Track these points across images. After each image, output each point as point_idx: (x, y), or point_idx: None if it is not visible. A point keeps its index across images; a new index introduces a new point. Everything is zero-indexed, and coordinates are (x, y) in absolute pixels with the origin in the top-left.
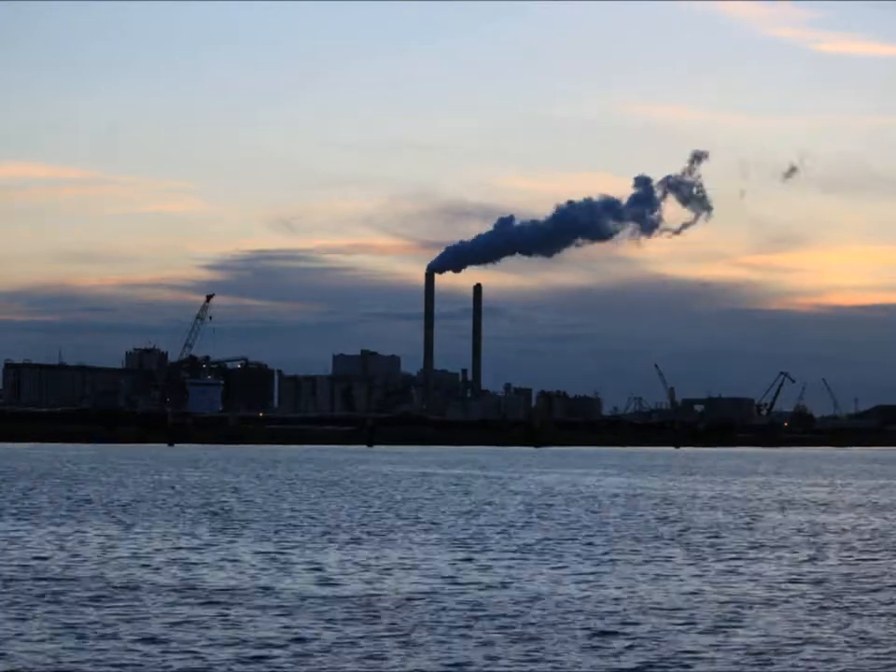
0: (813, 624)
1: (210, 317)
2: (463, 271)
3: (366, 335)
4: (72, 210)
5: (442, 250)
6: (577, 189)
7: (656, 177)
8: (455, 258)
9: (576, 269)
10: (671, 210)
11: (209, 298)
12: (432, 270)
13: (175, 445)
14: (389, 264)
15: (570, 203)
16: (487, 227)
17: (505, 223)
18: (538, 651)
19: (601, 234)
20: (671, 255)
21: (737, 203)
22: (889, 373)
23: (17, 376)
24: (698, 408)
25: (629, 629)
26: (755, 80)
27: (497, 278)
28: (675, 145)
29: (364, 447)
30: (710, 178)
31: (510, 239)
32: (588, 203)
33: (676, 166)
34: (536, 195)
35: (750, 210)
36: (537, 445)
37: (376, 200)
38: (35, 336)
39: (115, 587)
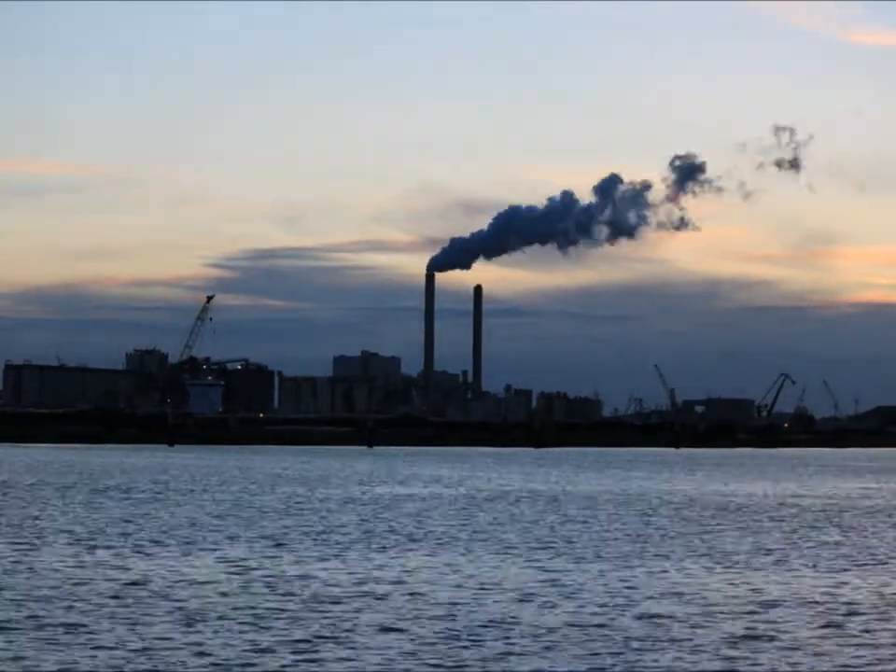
0: None
1: (210, 318)
2: (462, 268)
3: (367, 335)
4: (73, 209)
5: (444, 246)
6: (591, 183)
7: (672, 172)
8: (455, 254)
9: (578, 268)
10: (683, 205)
11: (209, 299)
12: (432, 268)
13: (176, 446)
14: (393, 263)
15: (568, 194)
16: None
17: (502, 216)
18: None
19: (603, 230)
20: (674, 253)
21: (746, 199)
22: (890, 374)
23: (17, 377)
24: (699, 409)
25: None
26: (780, 73)
27: (497, 280)
28: (691, 138)
29: (365, 448)
30: (725, 173)
31: (508, 232)
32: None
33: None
34: (548, 190)
35: (759, 208)
36: (537, 446)
37: (383, 197)
38: (36, 336)
39: None
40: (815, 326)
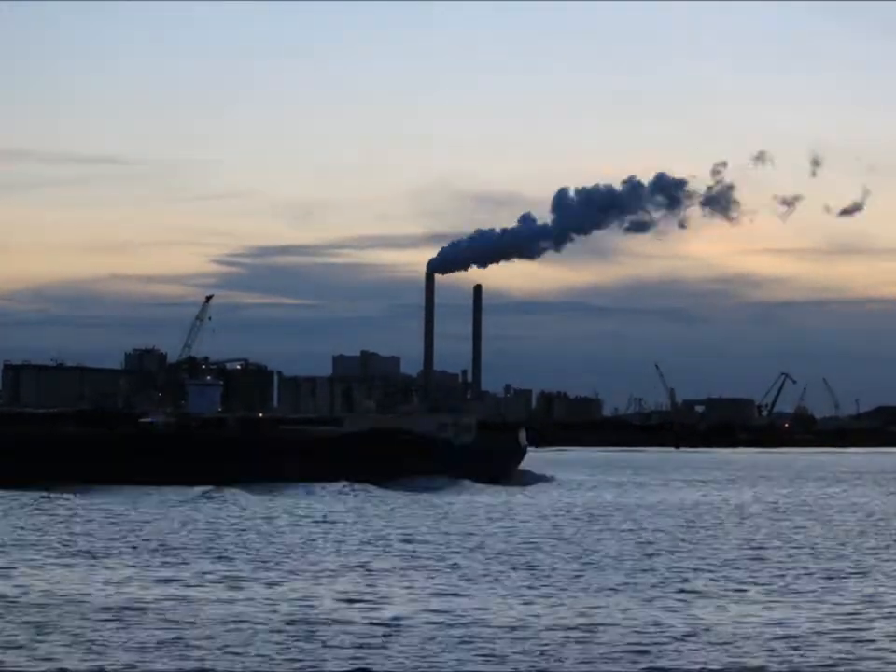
0: None
1: (210, 318)
2: (462, 270)
3: (366, 335)
4: (76, 204)
5: (442, 247)
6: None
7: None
8: (453, 257)
9: (578, 266)
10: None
11: (209, 298)
12: (432, 270)
13: None
14: (394, 261)
15: (574, 192)
16: (503, 221)
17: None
18: None
19: (603, 227)
20: (677, 251)
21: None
22: (890, 373)
23: (16, 377)
24: (699, 409)
25: None
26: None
27: (497, 279)
28: (696, 136)
29: None
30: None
31: (509, 238)
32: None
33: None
34: (558, 185)
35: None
36: (537, 446)
37: (386, 195)
38: (38, 334)
39: None
40: (809, 325)
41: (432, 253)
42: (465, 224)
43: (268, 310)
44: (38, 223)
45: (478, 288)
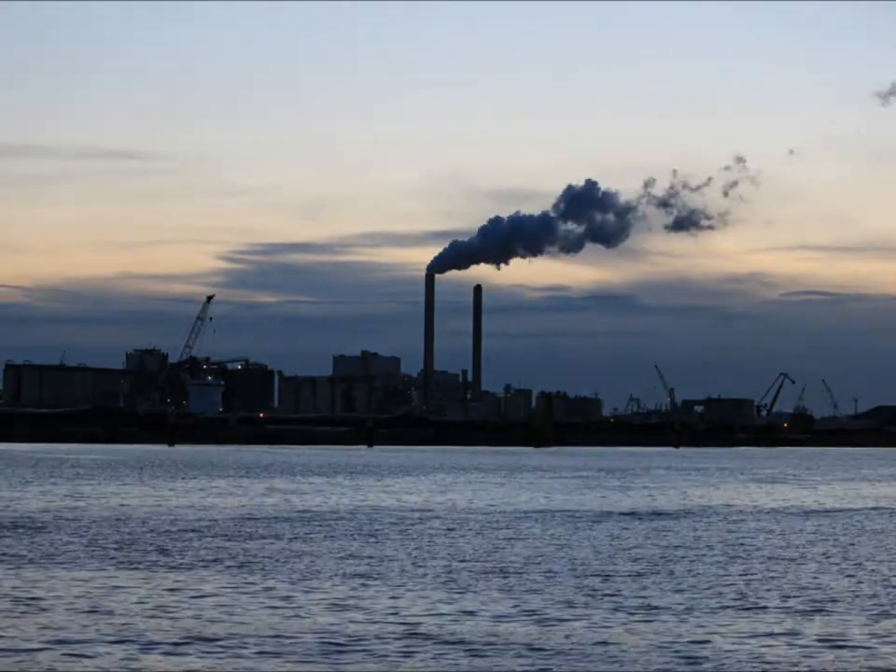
0: None
1: (210, 318)
2: (463, 269)
3: (367, 335)
4: (80, 202)
5: (444, 247)
6: (612, 179)
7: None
8: (454, 257)
9: (578, 266)
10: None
11: (209, 298)
12: (432, 270)
13: (176, 446)
14: (394, 259)
15: (578, 190)
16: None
17: (499, 221)
18: None
19: (608, 227)
20: (676, 251)
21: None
22: (889, 374)
23: (17, 377)
24: (698, 409)
25: None
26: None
27: (497, 278)
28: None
29: (364, 448)
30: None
31: (511, 234)
32: (602, 194)
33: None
34: (569, 181)
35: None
36: (537, 446)
37: (386, 195)
38: (42, 333)
39: None
40: (807, 325)
41: (429, 254)
42: (475, 221)
43: (270, 308)
44: (44, 220)
45: (478, 289)
